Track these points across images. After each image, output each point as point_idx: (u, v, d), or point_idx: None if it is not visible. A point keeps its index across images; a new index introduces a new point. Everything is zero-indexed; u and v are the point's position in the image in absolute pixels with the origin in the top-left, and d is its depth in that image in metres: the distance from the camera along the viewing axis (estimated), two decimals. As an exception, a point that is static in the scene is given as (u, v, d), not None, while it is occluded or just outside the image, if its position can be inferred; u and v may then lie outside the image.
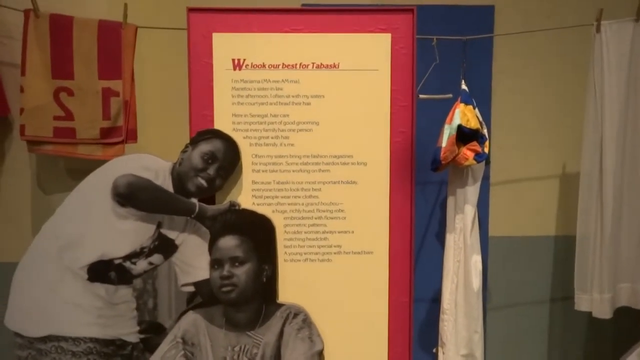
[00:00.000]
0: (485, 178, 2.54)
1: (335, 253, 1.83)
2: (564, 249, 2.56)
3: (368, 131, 1.80)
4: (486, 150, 1.91)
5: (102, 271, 1.67)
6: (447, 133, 1.84)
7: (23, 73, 2.10)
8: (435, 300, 2.40)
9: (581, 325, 2.63)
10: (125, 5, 2.10)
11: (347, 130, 1.80)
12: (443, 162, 1.85)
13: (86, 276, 1.64)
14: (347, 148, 1.80)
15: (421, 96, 1.90)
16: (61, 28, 2.11)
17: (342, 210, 1.82)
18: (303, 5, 2.41)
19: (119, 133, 2.14)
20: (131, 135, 2.17)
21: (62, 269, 1.64)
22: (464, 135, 1.87)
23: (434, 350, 2.22)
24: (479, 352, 2.03)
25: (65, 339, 1.62)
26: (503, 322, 2.62)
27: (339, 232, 1.82)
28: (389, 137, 1.80)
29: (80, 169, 1.76)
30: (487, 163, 2.42)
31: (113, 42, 2.10)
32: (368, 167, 1.81)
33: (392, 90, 1.79)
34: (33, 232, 1.75)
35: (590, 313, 2.15)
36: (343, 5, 1.93)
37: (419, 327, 2.54)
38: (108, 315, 1.68)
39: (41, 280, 1.65)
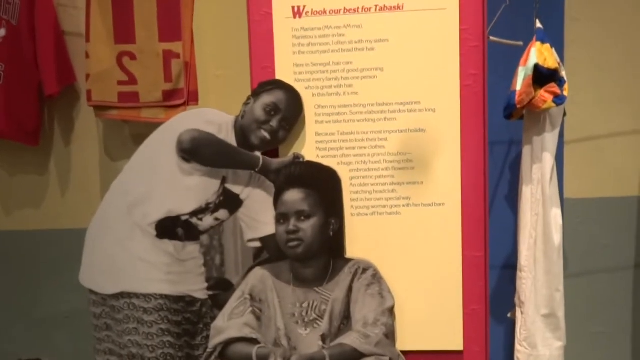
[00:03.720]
0: (559, 135, 2.39)
1: (404, 205, 1.74)
2: (649, 210, 2.37)
3: (436, 75, 1.70)
4: (565, 93, 1.76)
5: (170, 228, 1.66)
6: (523, 74, 1.71)
7: (87, 39, 2.18)
8: (507, 267, 2.27)
9: (671, 292, 2.43)
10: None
11: (414, 75, 1.71)
12: (518, 105, 1.72)
13: (154, 233, 1.64)
14: (414, 94, 1.71)
15: (492, 38, 1.78)
16: (122, -7, 2.15)
17: (410, 160, 1.73)
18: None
19: (181, 95, 2.17)
20: (192, 97, 2.19)
21: (132, 225, 1.65)
22: (541, 77, 1.74)
23: (509, 315, 2.10)
24: (561, 312, 1.89)
25: (136, 295, 1.63)
26: (581, 290, 2.44)
27: (407, 184, 1.74)
28: (458, 80, 1.69)
29: (145, 135, 1.77)
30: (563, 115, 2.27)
31: (172, 4, 2.12)
32: (437, 113, 1.71)
33: (461, 30, 1.68)
34: (102, 198, 1.79)
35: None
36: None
37: (491, 294, 2.42)
38: (177, 272, 1.68)
39: (112, 237, 1.67)
